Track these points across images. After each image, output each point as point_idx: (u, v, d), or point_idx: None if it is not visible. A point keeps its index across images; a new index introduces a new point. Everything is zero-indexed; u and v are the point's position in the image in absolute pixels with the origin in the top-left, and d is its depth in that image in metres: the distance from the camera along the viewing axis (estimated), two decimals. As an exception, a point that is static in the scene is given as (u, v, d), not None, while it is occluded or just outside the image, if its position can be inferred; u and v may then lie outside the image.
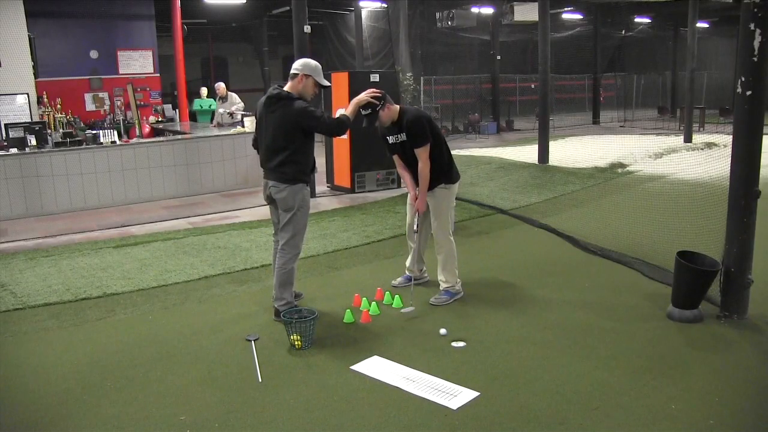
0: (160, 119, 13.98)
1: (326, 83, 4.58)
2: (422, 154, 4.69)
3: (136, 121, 10.81)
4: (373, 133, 5.12)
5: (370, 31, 17.50)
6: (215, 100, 12.63)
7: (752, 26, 4.00)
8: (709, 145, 13.36)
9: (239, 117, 11.45)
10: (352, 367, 3.78)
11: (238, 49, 22.37)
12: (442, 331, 4.22)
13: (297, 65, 4.48)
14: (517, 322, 4.42)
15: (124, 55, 14.21)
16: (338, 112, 4.50)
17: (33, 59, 11.35)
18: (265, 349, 4.07)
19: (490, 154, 13.49)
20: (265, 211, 8.38)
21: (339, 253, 6.29)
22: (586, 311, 4.60)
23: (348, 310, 4.55)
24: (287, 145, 4.38)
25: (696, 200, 7.28)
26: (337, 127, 4.47)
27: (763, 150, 4.22)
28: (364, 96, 4.57)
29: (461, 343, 4.08)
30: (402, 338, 4.21)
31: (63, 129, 10.66)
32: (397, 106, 4.81)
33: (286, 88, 4.45)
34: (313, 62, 4.51)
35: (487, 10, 17.65)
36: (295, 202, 4.43)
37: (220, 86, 12.19)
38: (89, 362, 3.96)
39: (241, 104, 12.01)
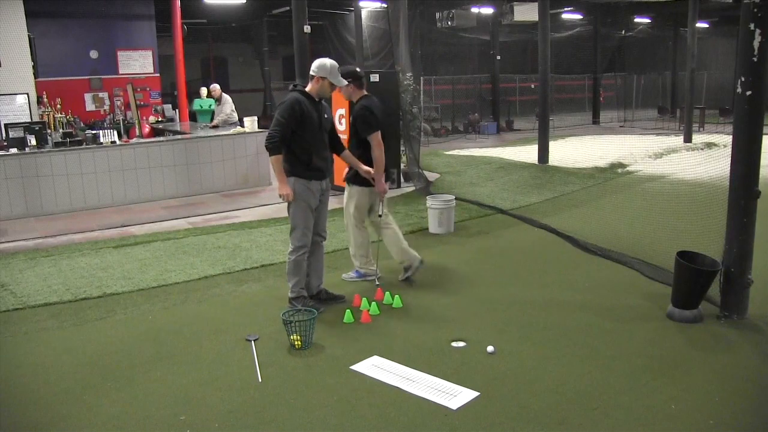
0: (160, 119, 13.96)
1: (342, 83, 4.67)
2: (372, 141, 5.00)
3: (136, 121, 10.81)
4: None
5: (370, 31, 17.49)
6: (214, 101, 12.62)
7: (752, 26, 4.00)
8: (709, 145, 13.36)
9: (232, 120, 11.44)
10: (352, 367, 3.78)
11: (238, 49, 22.36)
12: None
13: (312, 67, 4.57)
14: (517, 322, 4.42)
15: (124, 55, 14.21)
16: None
17: (33, 59, 11.32)
18: (265, 349, 4.08)
19: (490, 154, 13.50)
20: (264, 211, 8.41)
21: (339, 253, 6.28)
22: (586, 311, 4.60)
23: (348, 310, 4.55)
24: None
25: (696, 200, 7.29)
26: (269, 143, 4.40)
27: (763, 150, 4.22)
28: (288, 196, 4.49)
29: (461, 343, 4.08)
30: (402, 338, 4.21)
31: (63, 129, 10.65)
32: (358, 92, 5.10)
33: (307, 88, 4.57)
34: (328, 63, 4.55)
35: (487, 10, 17.63)
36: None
37: (215, 88, 12.11)
38: (89, 362, 3.96)
39: (227, 112, 11.53)
